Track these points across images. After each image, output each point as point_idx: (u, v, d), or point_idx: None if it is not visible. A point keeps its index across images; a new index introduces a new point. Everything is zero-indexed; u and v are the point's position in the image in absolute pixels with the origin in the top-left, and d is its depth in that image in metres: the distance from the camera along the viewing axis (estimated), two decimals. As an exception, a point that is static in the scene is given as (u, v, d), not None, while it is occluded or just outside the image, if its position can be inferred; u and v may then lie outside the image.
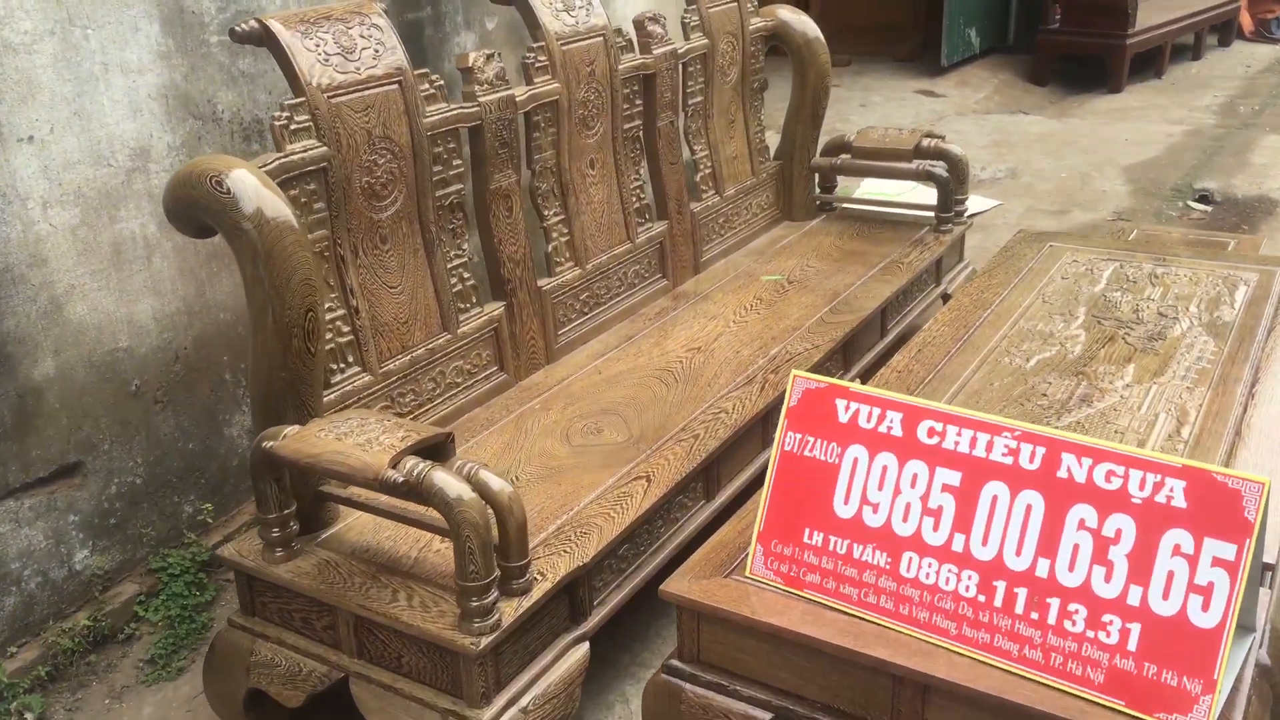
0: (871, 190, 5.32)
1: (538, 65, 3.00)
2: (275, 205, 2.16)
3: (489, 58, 2.83)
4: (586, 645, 2.28)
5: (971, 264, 4.29)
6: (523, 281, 2.99)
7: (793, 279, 3.68)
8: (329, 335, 2.47)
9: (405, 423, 2.16)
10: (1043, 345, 2.77)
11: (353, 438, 2.08)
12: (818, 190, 4.33)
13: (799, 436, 1.95)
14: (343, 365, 2.51)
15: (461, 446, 2.68)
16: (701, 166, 3.78)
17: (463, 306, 2.83)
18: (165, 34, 2.69)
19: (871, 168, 4.16)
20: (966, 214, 4.10)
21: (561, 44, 3.07)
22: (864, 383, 3.23)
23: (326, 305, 2.47)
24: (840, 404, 1.93)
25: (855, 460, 1.90)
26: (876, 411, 1.90)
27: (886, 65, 9.19)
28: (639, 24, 3.42)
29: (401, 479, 1.97)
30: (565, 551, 2.27)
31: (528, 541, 2.12)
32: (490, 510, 2.02)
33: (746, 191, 4.01)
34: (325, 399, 2.46)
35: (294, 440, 2.10)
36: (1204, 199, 5.75)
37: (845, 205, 4.36)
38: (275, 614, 2.29)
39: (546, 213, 3.11)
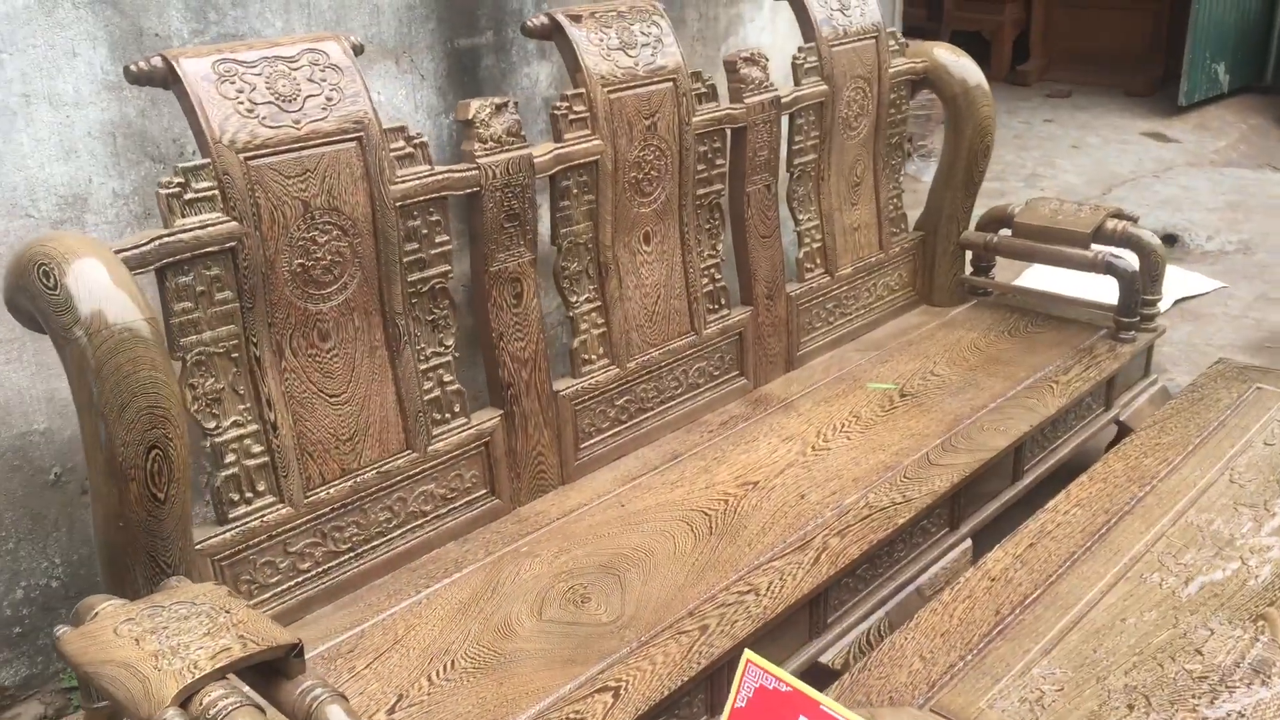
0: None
1: (572, 118, 2.38)
2: (123, 309, 1.64)
3: (499, 108, 2.23)
4: None
5: (1162, 379, 3.40)
6: (530, 385, 2.39)
7: (909, 390, 2.92)
8: (231, 458, 1.94)
9: (254, 617, 1.58)
10: (1213, 559, 1.95)
11: (155, 641, 1.52)
12: (969, 270, 3.53)
13: (743, 759, 1.27)
14: (249, 495, 1.98)
15: (405, 602, 2.11)
16: (806, 240, 3.06)
17: (439, 417, 2.25)
18: (115, 60, 2.22)
19: (1036, 250, 3.32)
20: (1175, 299, 3.21)
21: (609, 90, 2.43)
22: (975, 553, 2.48)
23: (233, 420, 1.93)
24: (803, 724, 1.23)
25: (816, 823, 1.20)
26: (853, 753, 1.19)
27: (1114, 100, 8.08)
28: (730, 65, 2.74)
29: (182, 726, 1.40)
30: (461, 807, 1.65)
31: (386, 807, 1.51)
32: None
33: (869, 270, 3.27)
34: (220, 538, 1.93)
35: (83, 636, 1.56)
36: None
37: (1002, 292, 3.54)
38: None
39: (574, 299, 2.48)
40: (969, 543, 2.60)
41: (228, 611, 1.59)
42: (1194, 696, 1.63)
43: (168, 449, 1.68)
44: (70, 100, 2.19)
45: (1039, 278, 4.13)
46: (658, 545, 2.28)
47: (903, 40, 3.25)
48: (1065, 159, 6.79)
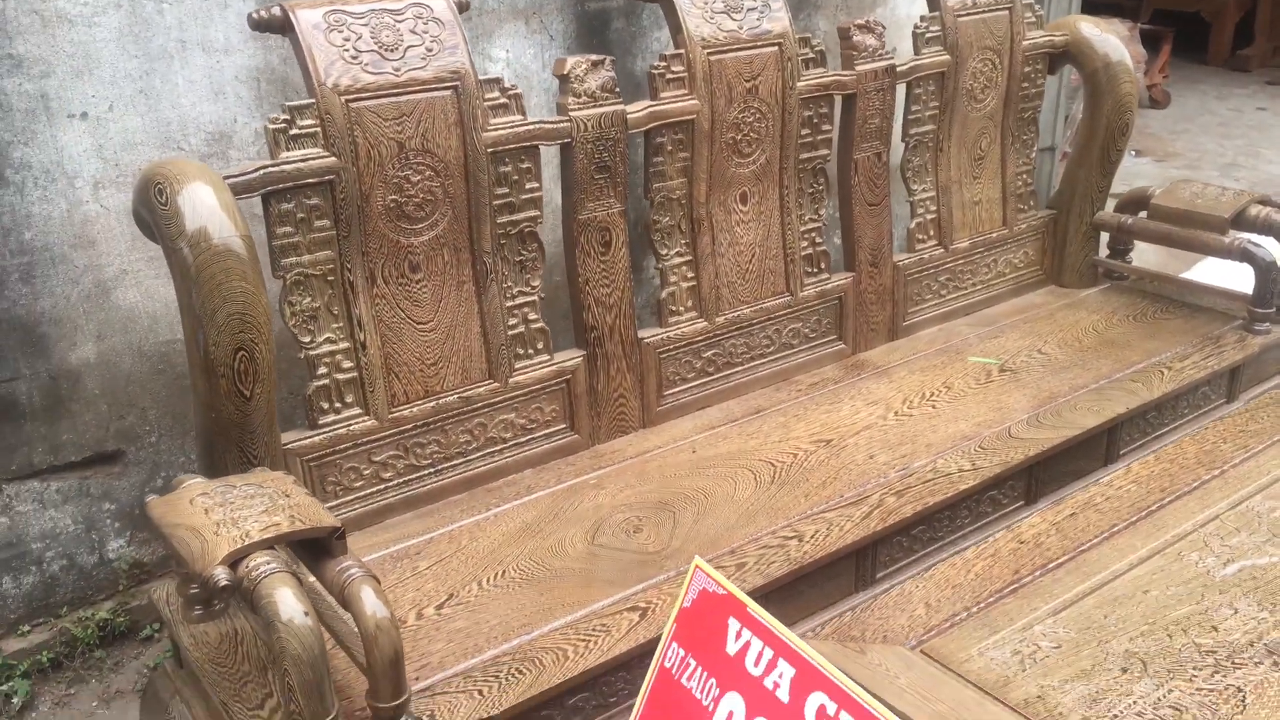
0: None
1: (670, 77, 2.49)
2: (223, 227, 1.87)
3: (595, 65, 2.37)
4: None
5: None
6: (614, 330, 2.52)
7: (1010, 366, 2.89)
8: (323, 370, 2.17)
9: (308, 502, 1.79)
10: (1264, 545, 1.90)
11: (221, 512, 1.75)
12: (1105, 253, 3.43)
13: (682, 654, 1.38)
14: (337, 406, 2.20)
15: (475, 517, 2.29)
16: (920, 211, 3.07)
17: (522, 352, 2.42)
18: (262, 13, 2.48)
19: (1171, 234, 3.20)
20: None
21: (710, 52, 2.53)
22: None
23: (325, 337, 2.16)
24: (732, 626, 1.33)
25: (730, 716, 1.29)
26: (767, 654, 1.28)
27: (1341, 93, 7.51)
28: (844, 32, 2.78)
29: (226, 581, 1.61)
30: (479, 693, 1.82)
31: (403, 680, 1.69)
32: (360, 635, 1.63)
33: (990, 245, 3.23)
34: (309, 441, 2.16)
35: (165, 503, 1.80)
36: None
37: (1138, 277, 3.42)
38: (188, 674, 2.04)
39: (665, 251, 2.60)
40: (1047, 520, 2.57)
41: (287, 495, 1.80)
42: (1195, 669, 1.62)
43: (254, 351, 1.91)
44: (220, 47, 2.46)
45: (1210, 271, 3.94)
46: (718, 489, 2.38)
47: (1040, 12, 3.18)
48: (1272, 149, 6.38)
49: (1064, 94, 4.61)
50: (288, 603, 1.59)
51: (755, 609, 1.31)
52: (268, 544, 1.68)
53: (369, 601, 1.66)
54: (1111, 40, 3.21)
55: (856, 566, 2.26)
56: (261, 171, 2.01)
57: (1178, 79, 7.65)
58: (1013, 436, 2.55)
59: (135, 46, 2.36)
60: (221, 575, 1.62)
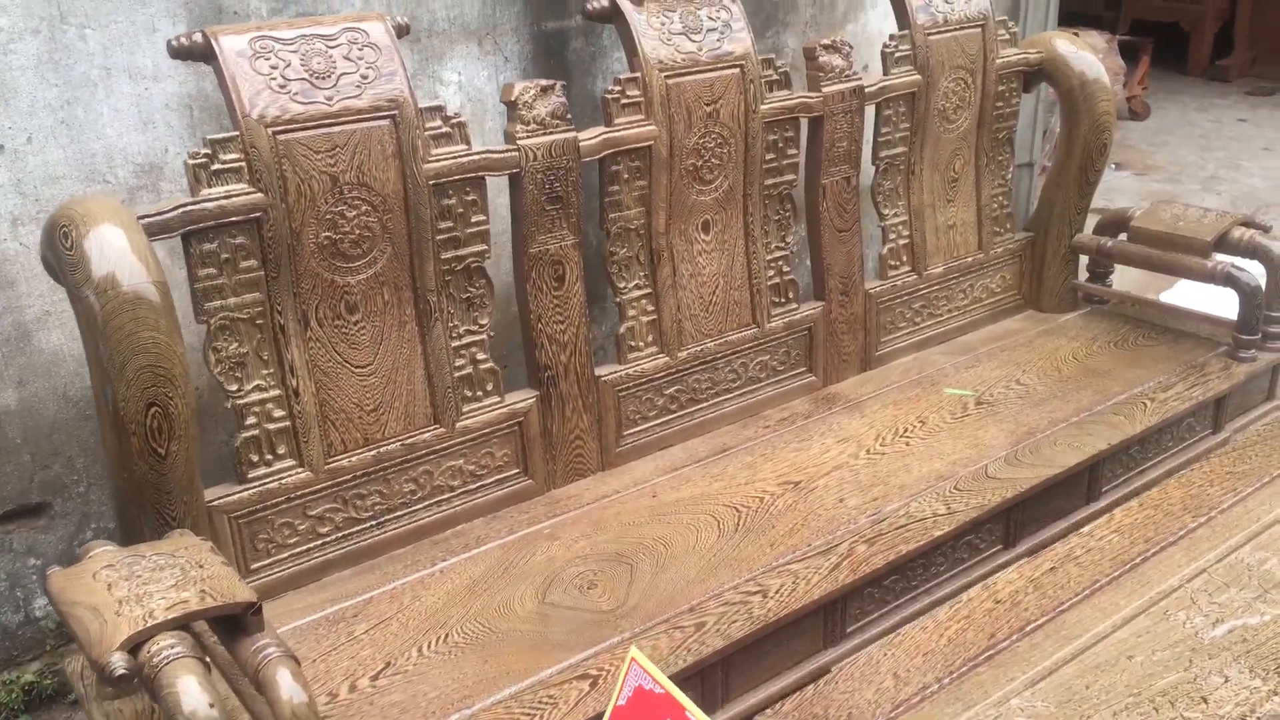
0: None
1: (624, 102, 2.36)
2: (134, 273, 1.74)
3: (544, 90, 2.24)
4: None
5: (1289, 404, 3.11)
6: (569, 369, 2.39)
7: (986, 398, 2.77)
8: (251, 420, 2.02)
9: (223, 574, 1.65)
10: (1254, 602, 1.77)
11: (126, 588, 1.60)
12: (1085, 276, 3.32)
13: (617, 758, 1.24)
14: (268, 457, 2.06)
15: (419, 573, 2.16)
16: (892, 236, 2.94)
17: (470, 394, 2.28)
18: (193, 36, 2.34)
19: (1152, 258, 3.08)
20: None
21: (667, 76, 2.40)
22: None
23: (255, 384, 2.02)
24: (671, 730, 1.19)
25: (668, 832, 1.16)
26: (709, 766, 1.14)
27: (1324, 102, 7.44)
28: (809, 52, 2.66)
29: (123, 670, 1.47)
30: (413, 776, 1.68)
31: (322, 771, 1.55)
32: None
33: (965, 270, 3.11)
34: (236, 497, 2.02)
35: (67, 576, 1.66)
36: None
37: (1118, 301, 3.31)
38: (104, 752, 1.89)
39: (623, 284, 2.47)
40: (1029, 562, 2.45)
41: (201, 566, 1.66)
42: (1184, 750, 1.49)
43: (168, 407, 1.76)
44: (149, 74, 2.32)
45: (1192, 290, 3.82)
46: (679, 538, 2.25)
47: (1014, 29, 3.06)
48: (1253, 162, 6.30)
49: (1042, 108, 4.50)
50: (191, 694, 1.44)
51: (694, 713, 1.18)
52: (175, 624, 1.54)
53: (285, 686, 1.52)
54: (1088, 58, 3.09)
55: (825, 622, 2.14)
56: (180, 210, 1.87)
57: (1157, 90, 7.57)
58: (989, 476, 2.42)
59: (55, 74, 2.21)
60: (118, 664, 1.47)
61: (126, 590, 1.60)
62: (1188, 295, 3.86)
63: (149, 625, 1.51)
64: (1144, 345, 3.05)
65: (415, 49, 2.66)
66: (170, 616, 1.53)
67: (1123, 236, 3.19)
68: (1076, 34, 5.56)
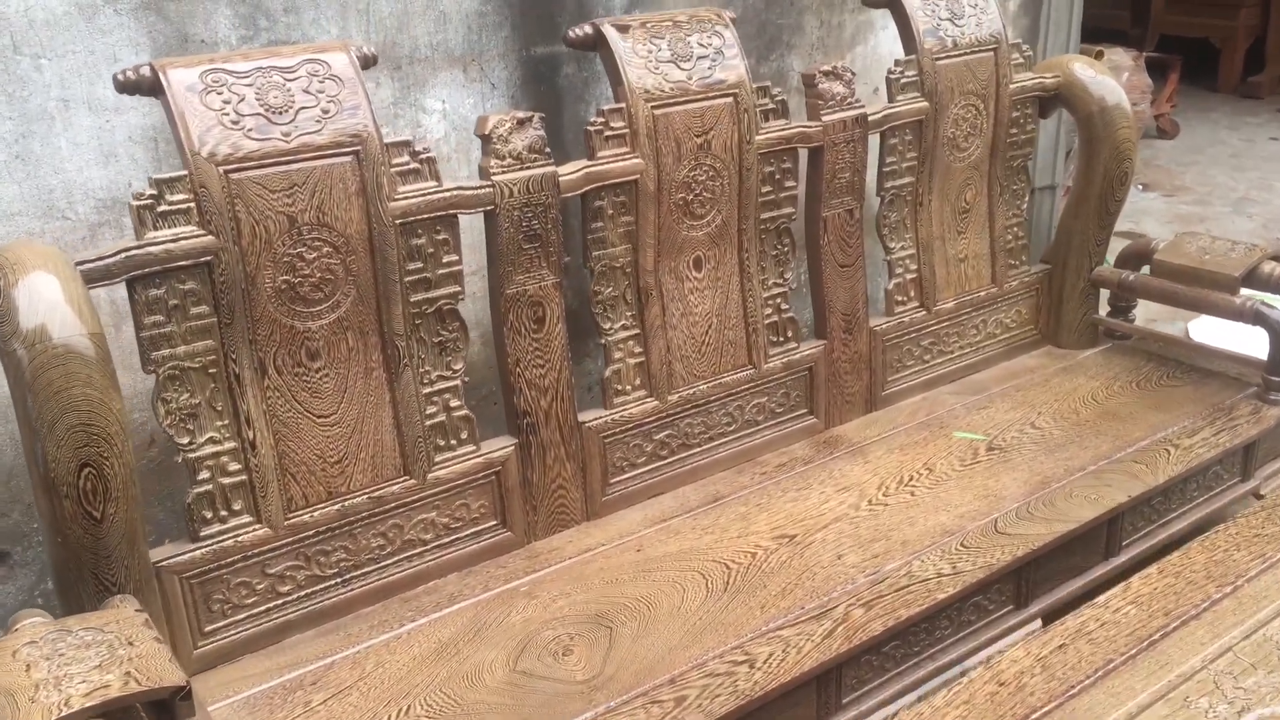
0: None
1: (608, 134, 2.23)
2: (66, 324, 1.62)
3: (520, 123, 2.11)
4: None
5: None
6: (550, 415, 2.26)
7: (999, 443, 2.62)
8: (205, 475, 1.90)
9: (154, 652, 1.52)
10: (1283, 687, 1.61)
11: (46, 669, 1.48)
12: (1106, 310, 3.15)
13: None
14: (223, 514, 1.93)
15: (385, 635, 2.03)
16: (899, 270, 2.80)
17: (442, 443, 2.15)
18: (158, 67, 2.24)
19: (1177, 293, 2.92)
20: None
21: (654, 106, 2.27)
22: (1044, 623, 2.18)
23: (208, 437, 1.90)
24: None
25: None
26: None
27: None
28: (808, 80, 2.52)
29: (30, 766, 1.35)
30: None
31: None
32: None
33: (978, 305, 2.96)
34: (188, 556, 1.90)
35: (-16, 653, 1.54)
36: None
37: (1141, 337, 3.14)
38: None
39: (608, 325, 2.34)
40: (1039, 624, 2.29)
41: (130, 643, 1.53)
42: None
43: (103, 468, 1.64)
44: (110, 105, 2.21)
45: (1214, 327, 3.65)
46: (663, 597, 2.11)
47: (1028, 53, 2.92)
48: (1285, 183, 6.10)
49: (1064, 129, 4.34)
50: (105, 791, 1.32)
51: None
52: (93, 713, 1.42)
53: (213, 780, 1.39)
54: (1108, 82, 2.94)
55: (818, 694, 1.99)
56: (123, 255, 1.76)
57: (1186, 108, 7.37)
58: (999, 532, 2.27)
59: (9, 107, 2.11)
60: (26, 759, 1.35)
61: (45, 672, 1.47)
62: (1213, 327, 3.70)
63: (64, 714, 1.39)
64: (1168, 385, 2.88)
65: (395, 77, 2.54)
66: (87, 705, 1.41)
67: (1145, 269, 3.03)
68: (1101, 52, 5.41)
